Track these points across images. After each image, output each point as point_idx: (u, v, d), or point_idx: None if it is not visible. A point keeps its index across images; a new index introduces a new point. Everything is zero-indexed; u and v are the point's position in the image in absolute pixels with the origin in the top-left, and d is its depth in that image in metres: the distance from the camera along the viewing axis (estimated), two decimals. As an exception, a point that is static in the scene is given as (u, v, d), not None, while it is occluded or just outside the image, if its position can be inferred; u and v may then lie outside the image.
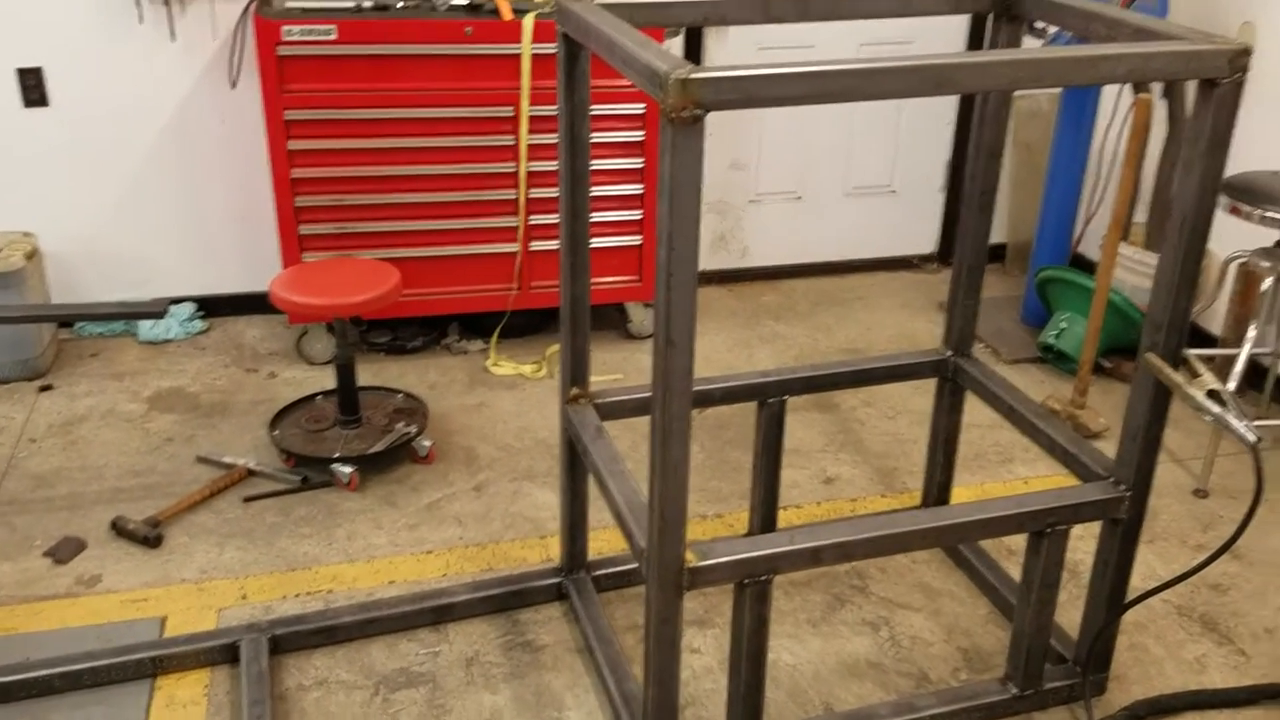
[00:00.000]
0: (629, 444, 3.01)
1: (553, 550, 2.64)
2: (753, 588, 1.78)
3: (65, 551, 2.57)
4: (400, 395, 3.23)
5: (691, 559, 1.72)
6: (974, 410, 2.65)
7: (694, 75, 1.41)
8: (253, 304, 3.78)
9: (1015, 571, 2.49)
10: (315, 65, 3.20)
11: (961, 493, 2.85)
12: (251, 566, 2.57)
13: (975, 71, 1.56)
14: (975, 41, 4.15)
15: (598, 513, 2.48)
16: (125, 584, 2.49)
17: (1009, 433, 3.08)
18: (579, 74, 2.00)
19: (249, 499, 2.83)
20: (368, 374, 3.40)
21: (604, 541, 2.64)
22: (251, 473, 2.93)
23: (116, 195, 3.62)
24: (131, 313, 3.31)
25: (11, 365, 3.33)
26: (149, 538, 2.62)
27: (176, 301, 3.74)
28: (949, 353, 2.51)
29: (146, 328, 3.63)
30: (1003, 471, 3.04)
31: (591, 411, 2.23)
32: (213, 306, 3.81)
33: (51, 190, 3.55)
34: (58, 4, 3.36)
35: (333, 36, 3.17)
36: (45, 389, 3.33)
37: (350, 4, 3.26)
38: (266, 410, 3.19)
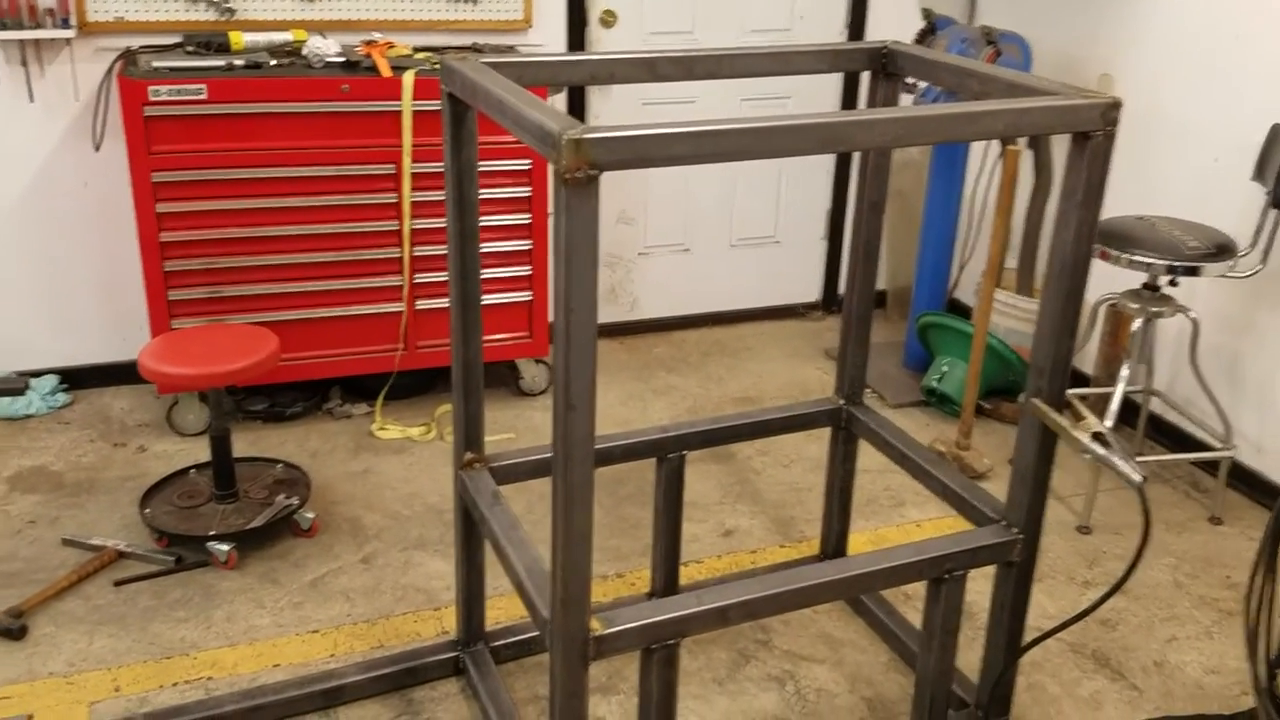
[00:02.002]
0: (524, 505, 2.95)
1: (448, 622, 2.55)
2: (660, 652, 1.73)
3: (-89, 652, 2.37)
4: (280, 465, 3.10)
5: (597, 627, 1.67)
6: (865, 455, 2.67)
7: (587, 135, 1.39)
8: (120, 374, 3.60)
9: (914, 616, 2.51)
10: (184, 125, 3.08)
11: (858, 539, 2.87)
12: (125, 655, 2.40)
13: (864, 129, 1.58)
14: (849, 98, 4.28)
15: (494, 579, 2.41)
16: (-25, 683, 2.30)
17: (900, 477, 3.13)
18: (465, 133, 1.97)
19: (119, 582, 2.66)
20: (244, 443, 3.25)
21: (501, 610, 2.56)
22: (122, 554, 2.76)
23: (-32, 263, 3.41)
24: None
25: None
26: (11, 629, 2.43)
27: (37, 375, 3.52)
28: (841, 401, 2.53)
29: (5, 404, 3.41)
30: (896, 515, 3.08)
31: (487, 476, 2.17)
32: (77, 378, 3.60)
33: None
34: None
35: (203, 96, 3.06)
36: (-112, 473, 3.09)
37: (221, 62, 3.16)
38: (136, 487, 3.01)
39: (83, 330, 3.59)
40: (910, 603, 2.65)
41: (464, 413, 2.17)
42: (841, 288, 4.55)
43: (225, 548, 2.73)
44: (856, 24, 4.20)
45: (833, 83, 4.25)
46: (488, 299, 3.40)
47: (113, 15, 3.29)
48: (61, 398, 3.52)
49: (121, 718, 2.20)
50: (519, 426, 3.49)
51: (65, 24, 3.19)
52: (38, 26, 3.17)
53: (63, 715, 2.22)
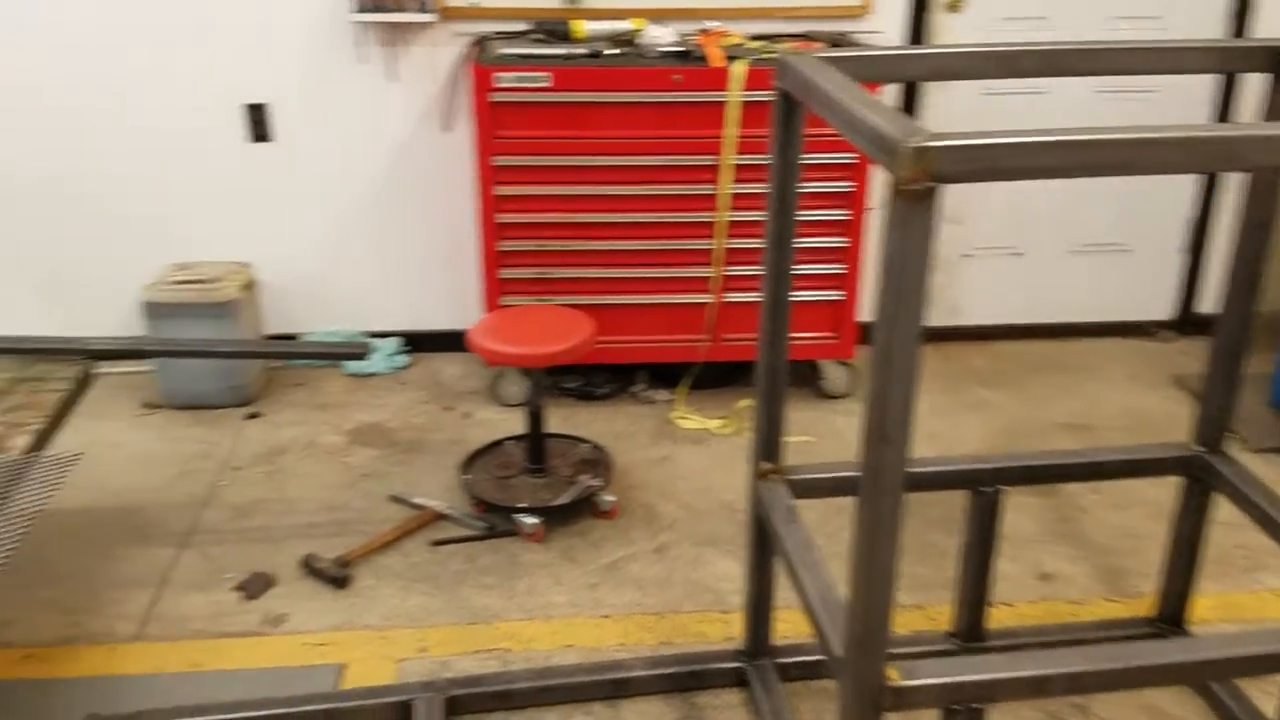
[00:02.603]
0: (819, 515, 2.83)
1: (734, 628, 2.49)
2: (963, 715, 1.58)
3: (255, 587, 2.62)
4: (587, 445, 3.17)
5: (894, 677, 1.54)
6: (1219, 504, 2.33)
7: (933, 144, 1.25)
8: (454, 341, 3.82)
9: (1264, 703, 2.17)
10: (525, 111, 3.19)
11: (1203, 604, 2.52)
12: (434, 616, 2.54)
13: (1269, 146, 1.33)
14: (1225, 96, 3.78)
15: (785, 587, 2.32)
16: (310, 625, 2.50)
17: (1257, 535, 2.72)
18: (794, 132, 1.87)
19: (436, 543, 2.82)
20: (557, 418, 3.35)
21: (790, 625, 2.47)
22: (441, 516, 2.92)
23: (331, 230, 3.74)
24: (336, 353, 3.39)
25: (222, 392, 3.47)
26: (337, 578, 2.64)
27: (383, 336, 3.82)
28: (1199, 448, 2.22)
29: (352, 362, 3.73)
30: (1251, 580, 2.69)
31: (784, 490, 2.08)
32: (417, 342, 3.87)
33: (269, 223, 3.70)
34: (285, 44, 3.50)
35: (547, 84, 3.16)
36: (252, 416, 3.45)
37: (563, 51, 3.25)
38: (459, 451, 3.19)
39: (425, 298, 3.85)
40: (1254, 686, 2.29)
41: (765, 419, 2.09)
42: (1199, 306, 4.05)
43: (533, 521, 2.82)
44: (1240, 14, 3.69)
45: (1201, 77, 3.76)
46: (797, 295, 3.30)
47: (468, 1, 3.47)
48: (401, 359, 3.79)
49: (425, 678, 2.32)
50: (819, 430, 3.37)
51: (426, 8, 3.39)
52: (402, 10, 3.40)
53: (373, 669, 2.37)
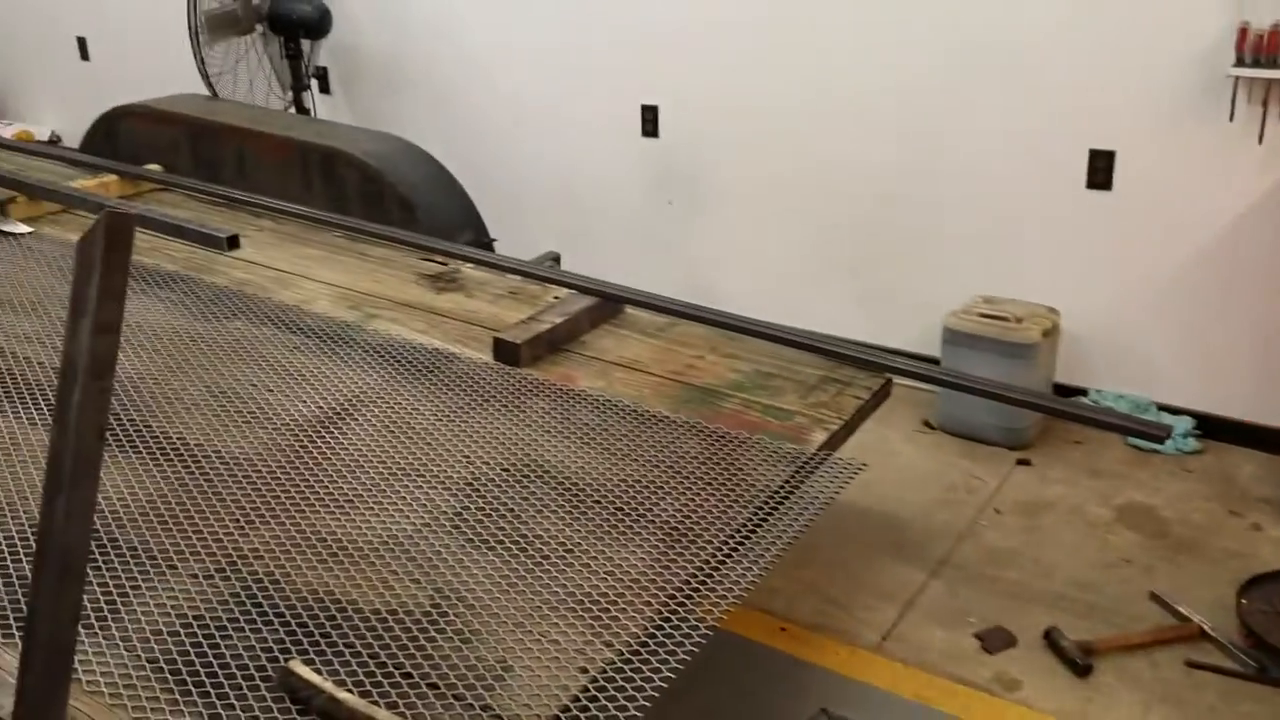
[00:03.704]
0: None
1: None
2: None
3: (994, 642, 2.60)
4: None
5: None
6: None
7: None
8: (1256, 436, 3.38)
9: None
10: None
11: None
12: (1173, 746, 2.29)
13: None
14: None
15: None
16: (1042, 703, 2.42)
17: None
18: None
19: (1192, 664, 2.52)
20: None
21: None
22: (1203, 635, 2.61)
23: (1145, 289, 3.51)
24: (1132, 428, 3.18)
25: (997, 430, 3.48)
26: (1079, 664, 2.50)
27: (1171, 411, 3.52)
28: None
29: (1135, 430, 3.49)
30: None
31: None
32: (1211, 427, 3.49)
33: (1086, 272, 3.59)
34: (1144, 93, 3.33)
35: None
36: (1022, 463, 3.42)
37: None
38: (1239, 567, 2.81)
39: (1230, 379, 3.45)
40: None
41: None
42: None
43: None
44: None
45: None
46: None
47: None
48: (1191, 443, 3.45)
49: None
50: None
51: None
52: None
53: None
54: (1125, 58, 3.34)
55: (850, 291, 4.06)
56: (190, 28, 4.62)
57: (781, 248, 4.20)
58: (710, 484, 2.09)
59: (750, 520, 1.98)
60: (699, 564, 1.85)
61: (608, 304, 2.85)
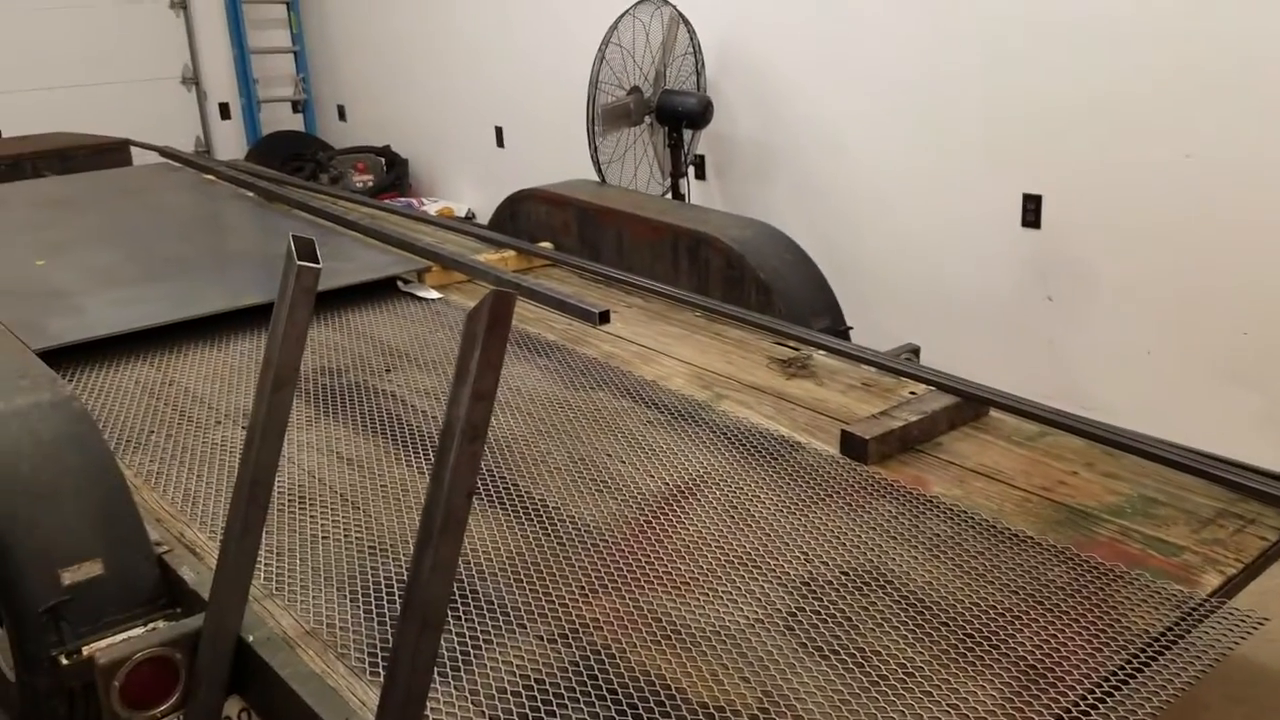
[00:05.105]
0: None
1: None
2: None
3: None
4: None
5: None
6: None
7: None
8: None
9: None
10: None
11: None
12: None
13: None
14: None
15: None
16: None
17: None
18: None
19: None
20: None
21: None
22: None
23: None
24: None
25: None
26: None
27: None
28: None
29: None
30: None
31: None
32: None
33: None
34: None
35: None
36: None
37: None
38: None
39: None
40: None
41: None
42: None
43: None
44: None
45: None
46: None
47: None
48: None
49: None
50: None
51: None
52: None
53: None
54: None
55: (1259, 410, 3.58)
56: (588, 120, 5.02)
57: (1179, 355, 3.80)
58: (1077, 620, 1.88)
59: (1123, 667, 1.75)
60: (1058, 709, 1.65)
61: (969, 404, 2.68)
